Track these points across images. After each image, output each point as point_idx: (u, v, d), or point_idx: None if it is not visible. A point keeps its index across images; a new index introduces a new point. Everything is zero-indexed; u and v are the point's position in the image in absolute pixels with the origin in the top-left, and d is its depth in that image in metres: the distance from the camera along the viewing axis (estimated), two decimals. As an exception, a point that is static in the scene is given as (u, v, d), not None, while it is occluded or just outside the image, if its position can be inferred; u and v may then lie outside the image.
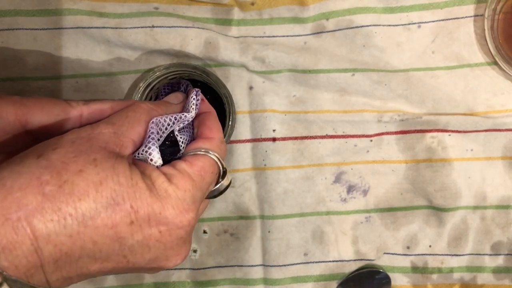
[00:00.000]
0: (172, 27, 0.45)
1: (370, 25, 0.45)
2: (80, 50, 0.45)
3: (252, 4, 0.45)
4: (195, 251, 0.48)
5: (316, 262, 0.48)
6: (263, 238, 0.48)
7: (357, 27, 0.45)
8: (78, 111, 0.33)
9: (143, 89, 0.43)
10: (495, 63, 0.46)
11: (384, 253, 0.48)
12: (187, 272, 0.48)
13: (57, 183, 0.27)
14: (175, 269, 0.48)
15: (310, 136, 0.47)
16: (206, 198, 0.35)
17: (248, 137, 0.47)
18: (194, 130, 0.37)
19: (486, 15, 0.44)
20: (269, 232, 0.48)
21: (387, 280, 0.48)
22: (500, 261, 0.48)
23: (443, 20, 0.46)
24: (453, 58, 0.46)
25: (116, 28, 0.44)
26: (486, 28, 0.44)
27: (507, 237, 0.48)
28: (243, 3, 0.45)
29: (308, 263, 0.48)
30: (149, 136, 0.32)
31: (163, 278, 0.48)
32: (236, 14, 0.46)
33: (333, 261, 0.48)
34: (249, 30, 0.46)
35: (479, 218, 0.48)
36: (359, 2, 0.45)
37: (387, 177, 0.48)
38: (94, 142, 0.30)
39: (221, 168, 0.34)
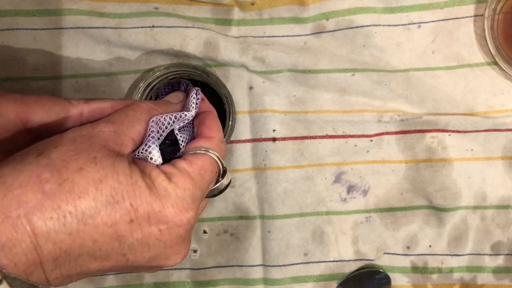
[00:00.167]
0: (172, 27, 0.45)
1: (370, 25, 0.45)
2: (80, 50, 0.45)
3: (252, 4, 0.45)
4: (195, 251, 0.48)
5: (316, 262, 0.48)
6: (263, 238, 0.48)
7: (357, 27, 0.45)
8: (79, 109, 0.33)
9: (143, 89, 0.43)
10: (495, 63, 0.46)
11: (384, 253, 0.48)
12: (187, 272, 0.48)
13: (57, 181, 0.27)
14: (175, 269, 0.48)
15: (310, 136, 0.47)
16: (206, 197, 0.35)
17: (248, 137, 0.47)
18: (194, 129, 0.37)
19: (486, 15, 0.44)
20: (269, 232, 0.48)
21: (387, 280, 0.48)
22: (500, 261, 0.48)
23: (443, 20, 0.46)
24: (453, 58, 0.46)
25: (116, 28, 0.44)
26: (486, 28, 0.44)
27: (507, 237, 0.48)
28: (243, 3, 0.45)
29: (308, 263, 0.48)
30: (149, 135, 0.32)
31: (163, 278, 0.48)
32: (236, 14, 0.46)
33: (333, 261, 0.48)
34: (249, 30, 0.46)
35: (479, 218, 0.48)
36: (359, 2, 0.45)
37: (387, 177, 0.48)
38: (94, 140, 0.30)
39: (221, 167, 0.35)
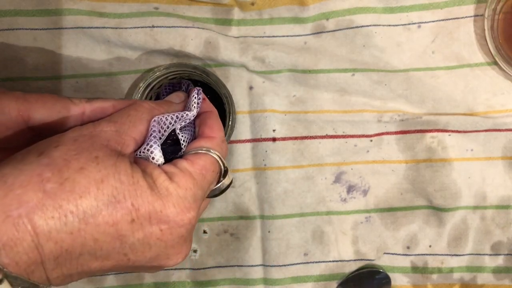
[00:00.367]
0: (172, 27, 0.45)
1: (370, 25, 0.45)
2: (80, 50, 0.45)
3: (252, 4, 0.45)
4: (195, 251, 0.48)
5: (316, 262, 0.48)
6: (263, 238, 0.48)
7: (357, 27, 0.45)
8: (80, 108, 0.33)
9: (143, 89, 0.43)
10: (495, 63, 0.46)
11: (384, 253, 0.48)
12: (187, 272, 0.48)
13: (58, 181, 0.27)
14: (175, 269, 0.48)
15: (310, 136, 0.47)
16: (207, 197, 0.35)
17: (248, 137, 0.47)
18: (195, 129, 0.37)
19: (486, 15, 0.44)
20: (269, 232, 0.48)
21: (387, 280, 0.48)
22: (500, 261, 0.48)
23: (443, 20, 0.46)
24: (453, 58, 0.46)
25: (116, 28, 0.44)
26: (486, 28, 0.44)
27: (507, 237, 0.48)
28: (243, 3, 0.45)
29: (308, 263, 0.48)
30: (151, 135, 0.32)
31: (163, 278, 0.48)
32: (236, 14, 0.46)
33: (333, 261, 0.48)
34: (249, 30, 0.46)
35: (479, 218, 0.48)
36: (359, 2, 0.45)
37: (387, 177, 0.48)
38: (96, 140, 0.30)
39: (222, 167, 0.35)
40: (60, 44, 0.45)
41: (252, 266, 0.48)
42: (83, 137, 0.30)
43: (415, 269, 0.48)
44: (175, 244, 0.31)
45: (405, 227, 0.48)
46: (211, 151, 0.34)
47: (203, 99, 0.37)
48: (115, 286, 0.48)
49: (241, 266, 0.48)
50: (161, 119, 0.33)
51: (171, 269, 0.48)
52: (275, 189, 0.47)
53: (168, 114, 0.34)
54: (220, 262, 0.48)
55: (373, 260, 0.48)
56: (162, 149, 0.32)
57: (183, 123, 0.35)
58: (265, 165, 0.47)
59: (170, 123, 0.34)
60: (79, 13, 0.44)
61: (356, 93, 0.47)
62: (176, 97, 0.38)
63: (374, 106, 0.47)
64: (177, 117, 0.34)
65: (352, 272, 0.48)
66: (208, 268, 0.48)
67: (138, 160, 0.31)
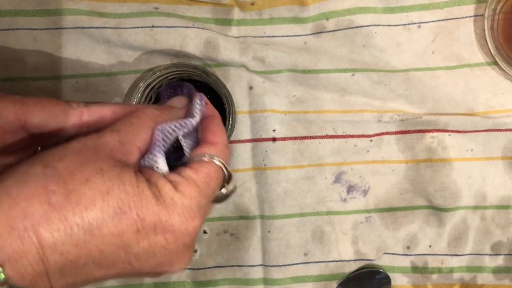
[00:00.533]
0: (172, 27, 0.45)
1: (370, 25, 0.45)
2: (80, 50, 0.45)
3: (252, 4, 0.45)
4: (195, 251, 0.48)
5: (316, 262, 0.48)
6: (263, 238, 0.48)
7: (357, 27, 0.45)
8: (79, 112, 0.33)
9: (143, 89, 0.43)
10: (495, 63, 0.46)
11: (384, 253, 0.48)
12: (187, 272, 0.48)
13: (63, 193, 0.27)
14: (175, 269, 0.48)
15: (310, 136, 0.47)
16: (211, 202, 0.35)
17: (248, 137, 0.47)
18: (198, 134, 0.37)
19: (486, 15, 0.44)
20: (269, 232, 0.48)
21: (387, 280, 0.48)
22: (500, 261, 0.48)
23: (443, 20, 0.46)
24: (453, 58, 0.46)
25: (116, 28, 0.44)
26: (486, 28, 0.44)
27: (507, 237, 0.48)
28: (243, 3, 0.45)
29: (308, 263, 0.48)
30: (155, 143, 0.32)
31: (163, 278, 0.48)
32: (236, 14, 0.46)
33: (333, 261, 0.48)
34: (249, 30, 0.46)
35: (479, 218, 0.48)
36: (359, 2, 0.45)
37: (387, 177, 0.48)
38: (100, 151, 0.29)
39: (226, 173, 0.34)
40: (60, 44, 0.45)
41: (252, 266, 0.48)
42: (87, 148, 0.30)
43: (415, 269, 0.48)
44: (179, 252, 0.31)
45: (405, 227, 0.48)
46: (215, 158, 0.34)
47: (206, 103, 0.37)
48: (115, 286, 0.48)
49: (241, 266, 0.48)
50: (164, 127, 0.33)
51: (171, 269, 0.48)
52: (275, 189, 0.47)
53: (171, 122, 0.34)
54: (220, 262, 0.48)
55: (373, 260, 0.48)
56: (166, 156, 0.32)
57: (186, 130, 0.35)
58: (265, 165, 0.47)
59: (173, 131, 0.34)
60: (79, 13, 0.44)
61: (356, 93, 0.47)
62: (178, 101, 0.38)
63: (374, 106, 0.47)
64: (180, 124, 0.34)
65: (352, 272, 0.48)
66: (208, 268, 0.48)
67: (142, 169, 0.31)
